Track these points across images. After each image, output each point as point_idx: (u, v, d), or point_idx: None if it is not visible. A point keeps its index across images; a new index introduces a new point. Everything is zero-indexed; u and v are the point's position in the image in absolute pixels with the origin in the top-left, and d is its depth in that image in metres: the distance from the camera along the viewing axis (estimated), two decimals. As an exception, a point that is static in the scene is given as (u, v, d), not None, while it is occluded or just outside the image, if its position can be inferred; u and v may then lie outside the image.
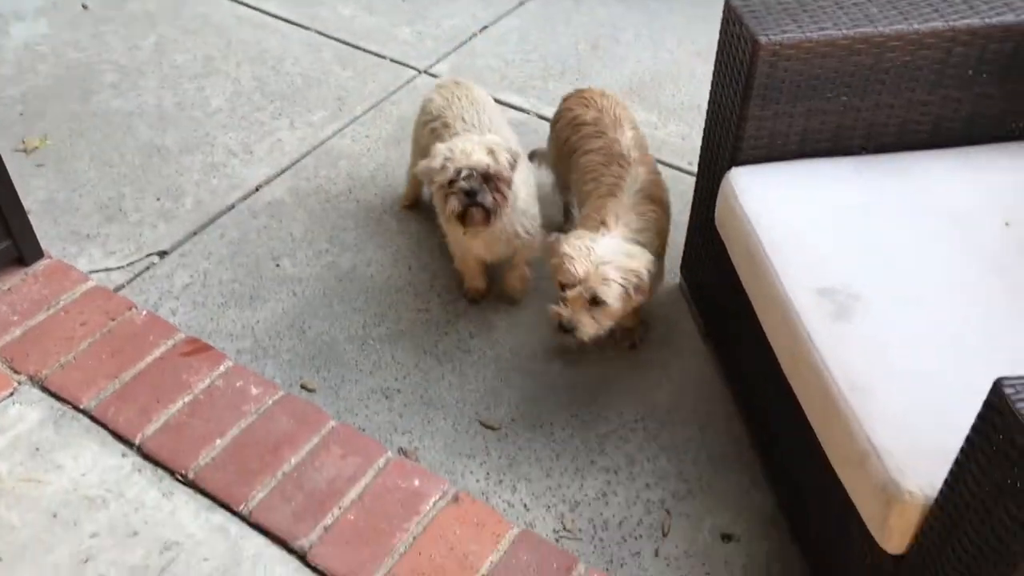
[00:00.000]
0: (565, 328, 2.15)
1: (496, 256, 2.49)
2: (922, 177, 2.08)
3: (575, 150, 2.50)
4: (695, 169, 3.00)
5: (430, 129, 2.55)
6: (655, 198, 2.36)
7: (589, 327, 2.15)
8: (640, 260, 2.15)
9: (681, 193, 2.94)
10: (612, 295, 2.11)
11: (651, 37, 3.69)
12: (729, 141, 2.15)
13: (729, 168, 2.15)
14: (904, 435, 1.57)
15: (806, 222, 1.99)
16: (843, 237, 1.96)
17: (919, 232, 1.96)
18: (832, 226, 1.98)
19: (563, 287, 2.14)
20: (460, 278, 2.62)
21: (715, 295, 2.40)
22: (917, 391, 1.65)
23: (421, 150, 2.59)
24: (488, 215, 2.25)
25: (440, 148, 2.27)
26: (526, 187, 2.45)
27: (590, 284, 2.09)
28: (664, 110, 3.30)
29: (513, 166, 2.29)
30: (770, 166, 2.13)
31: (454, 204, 2.23)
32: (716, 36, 3.63)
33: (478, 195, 2.21)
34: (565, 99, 2.68)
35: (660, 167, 3.02)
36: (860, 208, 2.02)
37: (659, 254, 2.33)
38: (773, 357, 1.94)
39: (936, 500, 1.46)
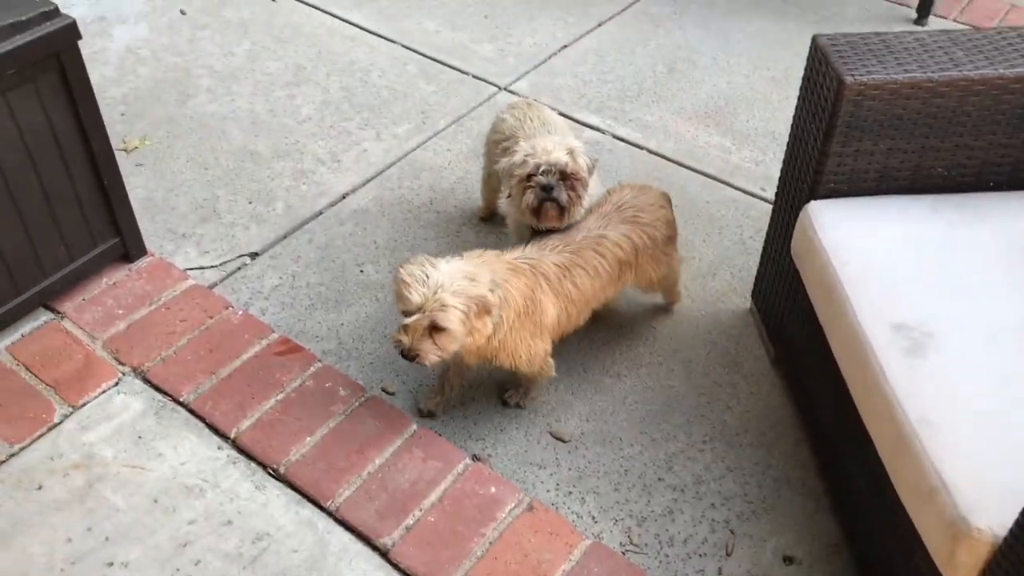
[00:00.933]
0: (406, 356, 2.07)
1: None
2: (1000, 218, 2.12)
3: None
4: (768, 195, 3.09)
5: (502, 148, 2.66)
6: None
7: (431, 353, 2.06)
8: (481, 285, 2.08)
9: (754, 219, 3.01)
10: (452, 321, 2.03)
11: (727, 62, 3.75)
12: (809, 174, 2.21)
13: (808, 201, 2.21)
14: (975, 472, 1.62)
15: (883, 257, 2.05)
16: (919, 274, 2.01)
17: (995, 272, 2.00)
18: (909, 262, 2.04)
19: (404, 314, 2.08)
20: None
21: (787, 322, 2.46)
22: (989, 429, 1.70)
23: (491, 167, 2.73)
24: (562, 211, 2.36)
25: (523, 146, 2.39)
26: (596, 198, 2.54)
27: (428, 311, 2.03)
28: (738, 135, 3.36)
29: (591, 170, 2.39)
30: (849, 201, 2.19)
31: (530, 198, 2.34)
32: (792, 64, 3.72)
33: (554, 191, 2.32)
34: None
35: (734, 193, 3.11)
36: (937, 246, 2.07)
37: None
38: (844, 387, 2.00)
39: (1005, 539, 1.51)
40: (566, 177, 2.34)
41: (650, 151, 3.29)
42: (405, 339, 2.05)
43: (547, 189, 2.33)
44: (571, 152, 2.35)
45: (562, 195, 2.33)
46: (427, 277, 2.04)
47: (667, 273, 2.54)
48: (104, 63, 3.66)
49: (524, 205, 2.36)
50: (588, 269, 2.30)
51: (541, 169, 2.32)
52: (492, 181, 2.85)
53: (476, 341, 2.12)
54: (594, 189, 2.52)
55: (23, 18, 2.15)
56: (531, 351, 2.26)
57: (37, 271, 2.46)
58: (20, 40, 2.15)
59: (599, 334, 2.64)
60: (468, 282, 2.06)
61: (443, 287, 2.02)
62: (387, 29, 3.89)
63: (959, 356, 1.83)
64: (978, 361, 1.83)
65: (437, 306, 2.01)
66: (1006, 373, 1.80)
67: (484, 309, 2.07)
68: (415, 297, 2.02)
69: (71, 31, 2.24)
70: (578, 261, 2.30)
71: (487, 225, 2.99)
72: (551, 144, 2.36)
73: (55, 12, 2.21)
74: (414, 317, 2.03)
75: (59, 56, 2.24)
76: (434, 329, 2.04)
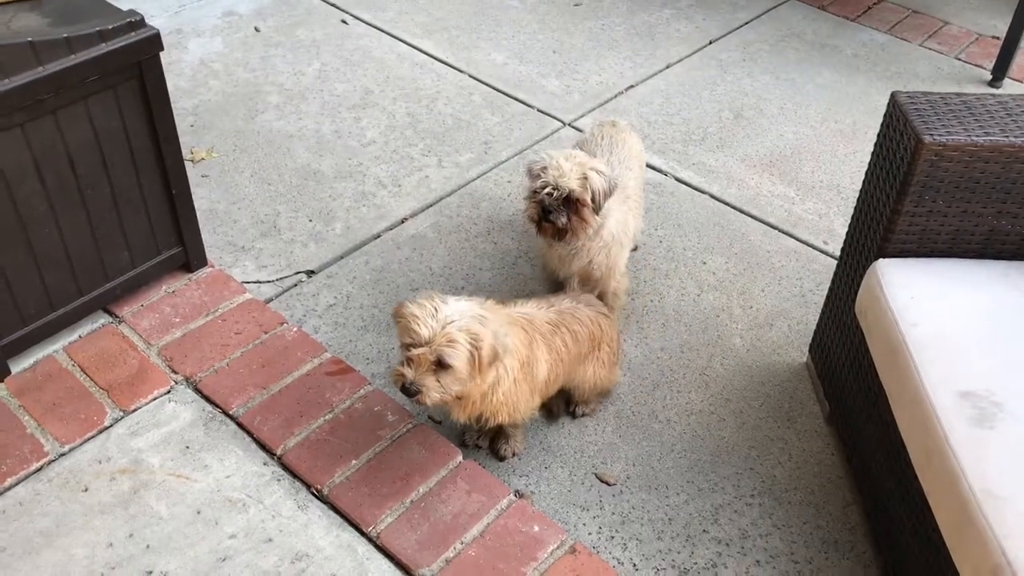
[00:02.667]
0: (408, 391, 1.99)
1: (567, 272, 2.58)
2: (1075, 290, 2.07)
3: None
4: (830, 249, 3.04)
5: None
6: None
7: (434, 391, 2.00)
8: (489, 327, 2.02)
9: (815, 272, 2.97)
10: (459, 358, 1.97)
11: (795, 111, 3.72)
12: (879, 232, 2.17)
13: (876, 258, 2.17)
14: (1041, 552, 1.57)
15: (952, 322, 2.00)
16: (989, 342, 1.96)
17: (1068, 346, 1.94)
18: (978, 329, 1.98)
19: (408, 347, 2.01)
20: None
21: (844, 380, 2.41)
22: (1057, 509, 1.64)
23: None
24: (560, 233, 2.38)
25: (548, 155, 2.38)
26: (619, 224, 2.54)
27: (435, 346, 1.96)
28: (803, 186, 3.32)
29: (607, 194, 2.37)
30: (918, 261, 2.15)
31: (532, 211, 2.39)
32: (859, 118, 3.68)
33: (551, 214, 2.34)
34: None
35: (795, 244, 3.07)
36: (1008, 314, 2.01)
37: None
38: (901, 450, 1.95)
39: (1073, 625, 1.45)
40: (571, 202, 2.34)
41: (712, 196, 3.26)
42: (408, 373, 1.98)
43: (545, 211, 2.35)
44: (584, 178, 2.33)
45: (560, 219, 2.35)
46: (436, 311, 1.98)
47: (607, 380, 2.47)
48: (178, 74, 3.73)
49: (525, 215, 2.43)
50: (571, 333, 2.28)
51: (546, 190, 2.33)
52: None
53: (479, 388, 2.06)
54: (620, 214, 2.53)
55: (109, 27, 2.20)
56: (529, 408, 2.23)
57: (100, 274, 2.50)
58: (105, 48, 2.20)
59: (649, 378, 2.61)
60: (477, 323, 2.00)
61: (452, 323, 1.96)
62: (456, 58, 3.93)
63: (1028, 430, 1.77)
64: (1048, 437, 1.77)
65: (444, 341, 1.95)
66: (1078, 451, 1.73)
67: (493, 354, 2.00)
68: (423, 331, 1.95)
69: (154, 42, 2.28)
70: (563, 322, 2.29)
71: (543, 259, 2.98)
72: (568, 165, 2.34)
73: (140, 23, 2.25)
74: (420, 350, 1.96)
75: (140, 65, 2.29)
76: (439, 366, 1.97)
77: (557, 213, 2.34)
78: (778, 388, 2.60)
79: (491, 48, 4.02)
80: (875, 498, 2.24)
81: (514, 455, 2.37)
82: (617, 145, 2.69)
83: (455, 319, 1.97)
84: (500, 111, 3.63)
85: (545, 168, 2.35)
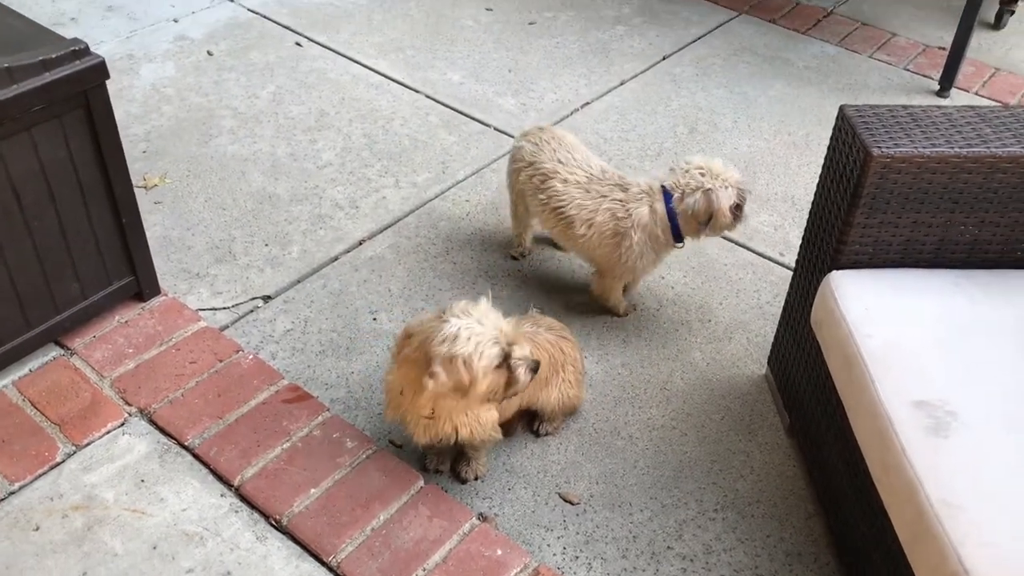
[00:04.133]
0: (537, 365, 2.04)
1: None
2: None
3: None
4: (786, 260, 3.07)
5: (528, 176, 2.74)
6: None
7: (527, 346, 2.06)
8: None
9: (772, 284, 2.99)
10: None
11: (749, 125, 3.75)
12: (831, 244, 2.19)
13: (830, 270, 2.19)
14: (998, 558, 1.58)
15: (906, 332, 2.02)
16: (942, 351, 1.97)
17: (1021, 352, 1.97)
18: (932, 338, 2.00)
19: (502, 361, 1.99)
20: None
21: (803, 391, 2.42)
22: (1013, 514, 1.65)
23: (517, 195, 2.85)
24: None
25: (732, 173, 2.61)
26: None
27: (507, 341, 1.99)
28: (758, 198, 3.35)
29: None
30: (871, 272, 2.17)
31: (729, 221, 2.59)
32: (812, 129, 3.73)
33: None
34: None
35: (752, 256, 3.09)
36: (961, 322, 2.03)
37: None
38: (861, 461, 1.96)
39: (1030, 632, 1.46)
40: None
41: (669, 211, 3.27)
42: (520, 361, 1.99)
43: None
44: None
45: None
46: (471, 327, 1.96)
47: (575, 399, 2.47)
48: (130, 100, 3.69)
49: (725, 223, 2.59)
50: (542, 352, 2.27)
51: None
52: (520, 211, 2.91)
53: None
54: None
55: (53, 56, 2.16)
56: (491, 421, 2.21)
57: (49, 306, 2.45)
58: (49, 77, 2.16)
59: (611, 394, 2.61)
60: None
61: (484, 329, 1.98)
62: (412, 79, 3.92)
63: (983, 437, 1.79)
64: (1003, 443, 1.78)
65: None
66: (1031, 457, 1.75)
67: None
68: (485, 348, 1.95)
69: (99, 70, 2.25)
70: (537, 339, 2.29)
71: (509, 278, 2.97)
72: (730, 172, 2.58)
73: (85, 51, 2.22)
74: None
75: (86, 94, 2.26)
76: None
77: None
78: (738, 401, 2.61)
79: (447, 67, 4.01)
80: (837, 509, 2.26)
81: (476, 478, 2.35)
82: (564, 143, 2.75)
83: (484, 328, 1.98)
84: (457, 130, 3.63)
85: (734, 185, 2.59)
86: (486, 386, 1.97)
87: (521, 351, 2.01)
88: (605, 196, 2.64)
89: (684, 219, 2.59)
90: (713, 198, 2.53)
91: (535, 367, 2.03)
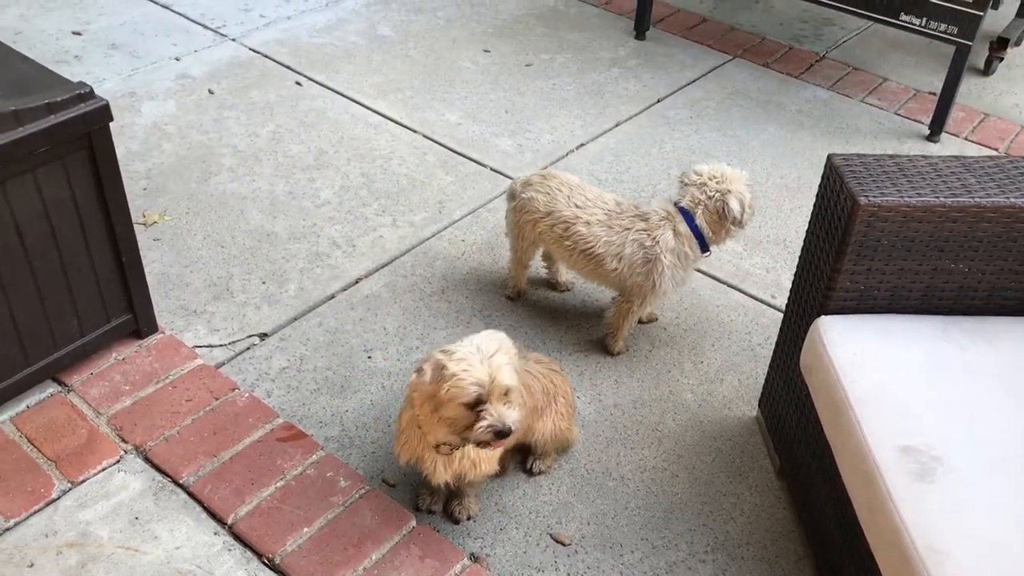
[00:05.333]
0: (503, 433, 1.98)
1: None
2: (1011, 343, 2.13)
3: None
4: (778, 303, 3.11)
5: (549, 225, 2.78)
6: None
7: (516, 413, 2.01)
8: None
9: (763, 326, 3.02)
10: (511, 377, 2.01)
11: (741, 168, 3.80)
12: (820, 289, 2.23)
13: (819, 315, 2.23)
14: (982, 607, 1.60)
15: (893, 377, 2.05)
16: (929, 396, 2.00)
17: (1003, 398, 1.99)
18: (918, 384, 2.03)
19: (473, 404, 1.98)
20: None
21: (793, 434, 2.45)
22: (998, 560, 1.67)
23: (527, 244, 2.90)
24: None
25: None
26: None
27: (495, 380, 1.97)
28: (749, 241, 3.40)
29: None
30: (859, 318, 2.20)
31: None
32: (804, 173, 3.78)
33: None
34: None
35: (744, 298, 3.13)
36: (946, 368, 2.07)
37: None
38: (849, 505, 1.98)
39: None
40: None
41: (662, 252, 3.32)
42: (494, 417, 1.95)
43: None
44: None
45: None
46: (476, 353, 1.97)
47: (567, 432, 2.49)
48: (131, 137, 3.74)
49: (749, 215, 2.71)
50: (525, 387, 2.25)
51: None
52: (523, 257, 2.97)
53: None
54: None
55: (58, 99, 2.21)
56: (491, 459, 2.23)
57: (48, 343, 2.47)
58: (54, 119, 2.21)
59: (603, 435, 2.63)
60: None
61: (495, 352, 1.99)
62: (410, 119, 3.98)
63: (968, 482, 1.82)
64: (988, 488, 1.81)
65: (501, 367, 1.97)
66: (1016, 501, 1.78)
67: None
68: (477, 375, 1.95)
69: (103, 113, 2.30)
70: (529, 369, 2.32)
71: (505, 316, 3.01)
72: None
73: (90, 94, 2.27)
74: (485, 389, 1.95)
75: (90, 136, 2.30)
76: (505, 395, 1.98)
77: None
78: (729, 443, 2.63)
79: (444, 108, 4.08)
80: (825, 552, 2.27)
81: (469, 518, 2.37)
82: (573, 187, 2.80)
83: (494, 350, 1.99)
84: (454, 170, 3.68)
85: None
86: (451, 412, 1.98)
87: (498, 410, 1.97)
88: (628, 228, 2.71)
89: (712, 226, 2.70)
90: (741, 198, 2.67)
91: (502, 433, 1.98)
